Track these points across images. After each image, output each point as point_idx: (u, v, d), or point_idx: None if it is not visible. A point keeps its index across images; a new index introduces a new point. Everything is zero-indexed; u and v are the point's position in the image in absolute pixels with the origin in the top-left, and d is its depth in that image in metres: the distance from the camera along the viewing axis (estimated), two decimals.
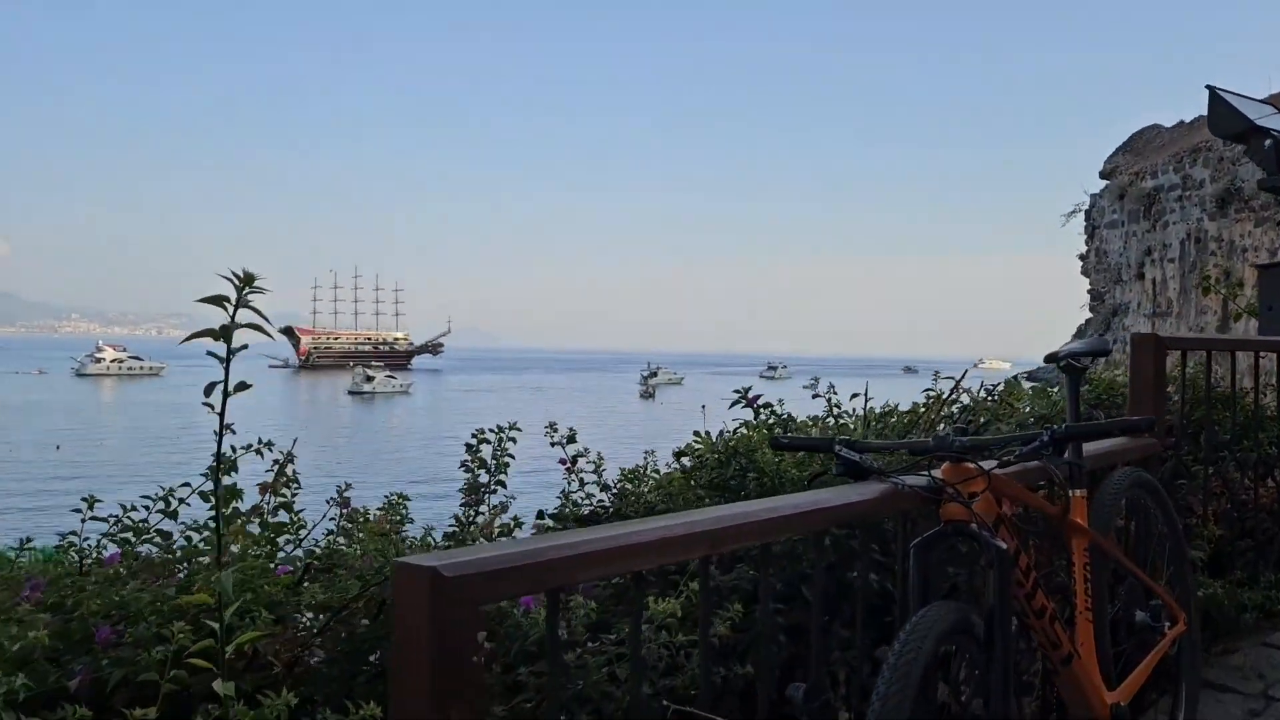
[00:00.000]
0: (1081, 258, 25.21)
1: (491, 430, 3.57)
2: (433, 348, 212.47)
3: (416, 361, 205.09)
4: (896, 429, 4.04)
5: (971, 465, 2.34)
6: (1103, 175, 25.02)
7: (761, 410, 3.74)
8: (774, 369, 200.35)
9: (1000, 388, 4.69)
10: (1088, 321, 25.50)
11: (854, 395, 4.10)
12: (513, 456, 3.53)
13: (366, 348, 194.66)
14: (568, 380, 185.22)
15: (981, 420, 4.26)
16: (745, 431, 3.62)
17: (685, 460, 3.57)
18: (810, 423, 3.95)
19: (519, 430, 3.59)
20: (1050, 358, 3.18)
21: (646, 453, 3.81)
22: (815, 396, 4.04)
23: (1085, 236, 24.93)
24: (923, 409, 4.14)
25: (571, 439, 3.60)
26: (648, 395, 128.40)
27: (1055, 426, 2.44)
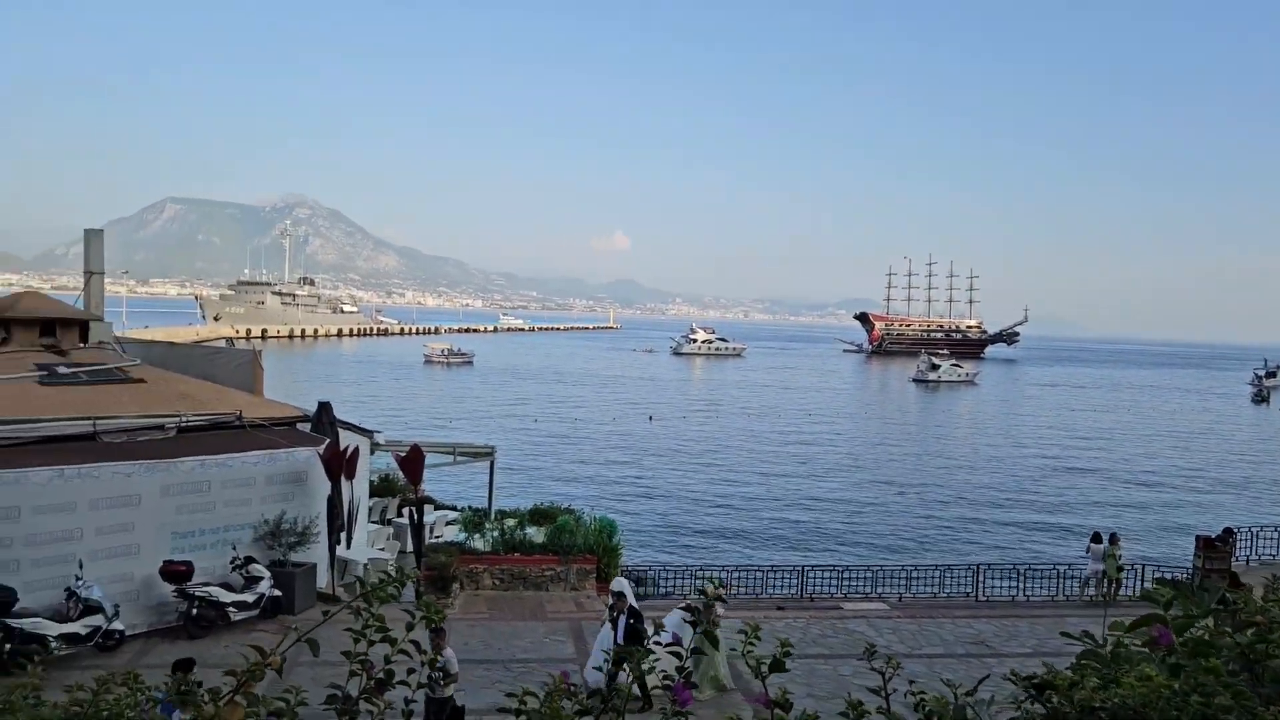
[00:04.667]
0: None
1: None
2: (1007, 337, 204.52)
3: (989, 350, 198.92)
4: None
5: None
6: None
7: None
8: None
9: None
10: None
11: None
12: None
13: (938, 335, 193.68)
14: (1158, 377, 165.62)
15: None
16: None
17: None
18: None
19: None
20: None
21: None
22: None
23: None
24: None
25: None
26: (1261, 399, 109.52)
27: None
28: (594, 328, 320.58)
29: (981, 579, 22.71)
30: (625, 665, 2.72)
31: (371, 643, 2.70)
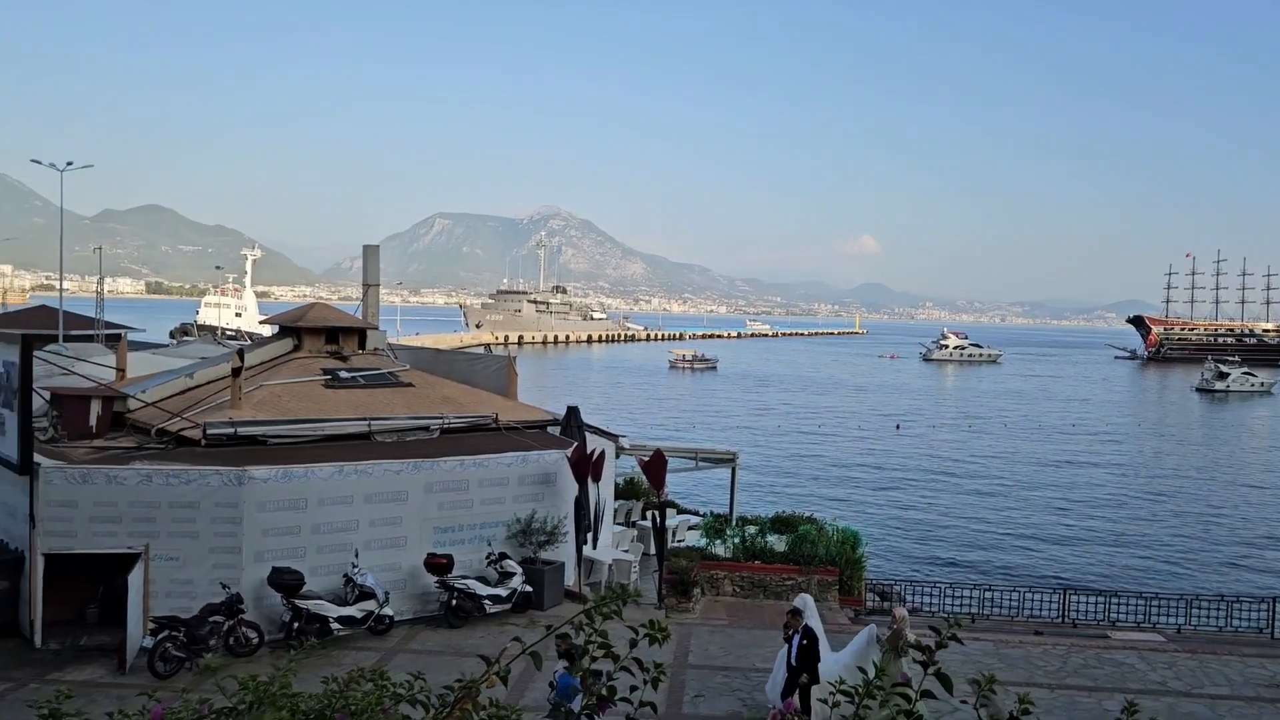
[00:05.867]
0: None
1: None
2: None
3: None
4: None
5: None
6: None
7: None
8: None
9: None
10: None
11: None
12: None
13: (1227, 339, 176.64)
14: None
15: None
16: None
17: None
18: None
19: None
20: None
21: None
22: None
23: None
24: None
25: None
26: None
27: None
28: (838, 333, 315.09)
29: (1278, 613, 20.26)
30: (844, 694, 2.57)
31: (594, 659, 2.72)
